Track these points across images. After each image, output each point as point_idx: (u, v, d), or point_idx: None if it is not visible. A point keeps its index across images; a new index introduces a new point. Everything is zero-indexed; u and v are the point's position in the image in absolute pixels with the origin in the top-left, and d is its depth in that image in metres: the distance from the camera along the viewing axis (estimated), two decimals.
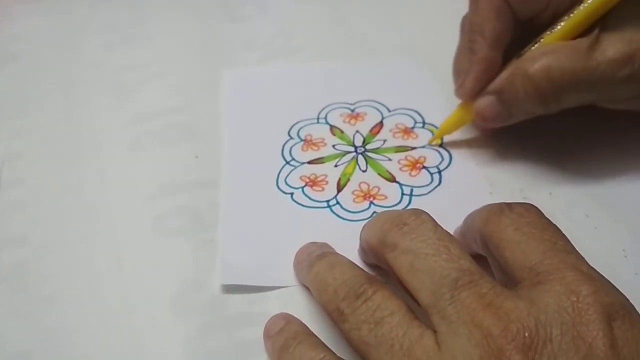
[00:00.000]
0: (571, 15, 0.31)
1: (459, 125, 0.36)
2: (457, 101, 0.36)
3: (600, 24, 0.30)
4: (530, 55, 0.31)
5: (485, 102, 0.33)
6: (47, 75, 0.44)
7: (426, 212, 0.25)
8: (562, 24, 0.31)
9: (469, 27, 0.34)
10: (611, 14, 0.30)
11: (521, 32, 0.33)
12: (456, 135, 0.36)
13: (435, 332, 0.22)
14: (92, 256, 0.32)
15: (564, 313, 0.20)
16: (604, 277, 0.22)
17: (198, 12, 0.50)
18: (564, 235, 0.24)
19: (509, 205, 0.25)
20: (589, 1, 0.31)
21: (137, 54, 0.45)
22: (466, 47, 0.34)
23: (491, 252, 0.25)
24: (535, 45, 0.32)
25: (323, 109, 0.39)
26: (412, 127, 0.37)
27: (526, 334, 0.20)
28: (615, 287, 0.22)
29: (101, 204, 0.34)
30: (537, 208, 0.25)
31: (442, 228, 0.24)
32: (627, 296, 0.22)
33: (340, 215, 0.32)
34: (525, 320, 0.20)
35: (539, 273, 0.22)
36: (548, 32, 0.32)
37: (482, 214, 0.26)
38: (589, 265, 0.22)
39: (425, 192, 0.33)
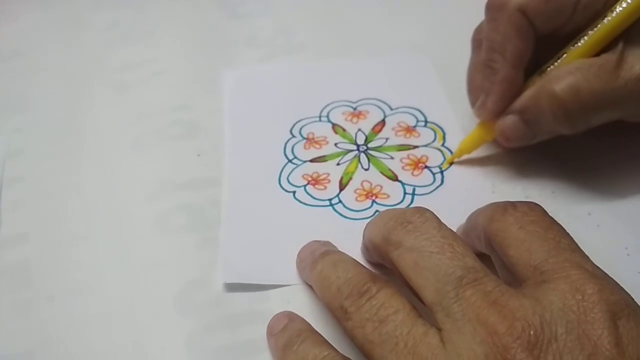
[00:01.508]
0: (595, 29, 0.30)
1: (478, 144, 0.34)
2: (459, 100, 0.36)
3: (623, 38, 0.29)
4: (556, 74, 0.30)
5: (508, 122, 0.32)
6: (49, 72, 0.44)
7: (430, 210, 0.25)
8: (586, 38, 0.30)
9: (488, 45, 0.32)
10: (634, 28, 0.29)
11: (541, 46, 0.32)
12: (458, 135, 0.36)
13: (439, 330, 0.22)
14: (94, 254, 0.32)
15: (569, 311, 0.20)
16: (608, 275, 0.22)
17: (200, 10, 0.49)
18: (568, 233, 0.24)
19: (513, 204, 0.25)
20: (613, 14, 0.29)
21: (139, 52, 0.45)
22: (485, 65, 0.32)
23: (495, 250, 0.25)
24: (558, 62, 0.31)
25: (325, 107, 0.39)
26: (414, 126, 0.37)
27: (531, 332, 0.20)
28: (620, 286, 0.22)
29: (103, 202, 0.34)
30: (541, 207, 0.25)
31: (446, 226, 0.24)
32: (631, 294, 0.22)
33: (343, 213, 0.32)
34: (530, 318, 0.20)
35: (544, 272, 0.22)
36: (571, 47, 0.31)
37: (486, 212, 0.26)
38: (594, 263, 0.22)
39: (428, 191, 0.33)
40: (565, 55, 0.31)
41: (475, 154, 0.35)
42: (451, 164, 0.35)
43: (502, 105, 0.32)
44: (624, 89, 0.29)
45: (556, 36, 0.31)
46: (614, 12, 0.29)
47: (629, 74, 0.29)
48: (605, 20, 0.30)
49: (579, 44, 0.30)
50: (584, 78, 0.29)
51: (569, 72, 0.30)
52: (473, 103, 0.34)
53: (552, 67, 0.31)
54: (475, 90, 0.34)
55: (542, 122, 0.31)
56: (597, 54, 0.30)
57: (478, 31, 0.34)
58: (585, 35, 0.30)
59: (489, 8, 0.32)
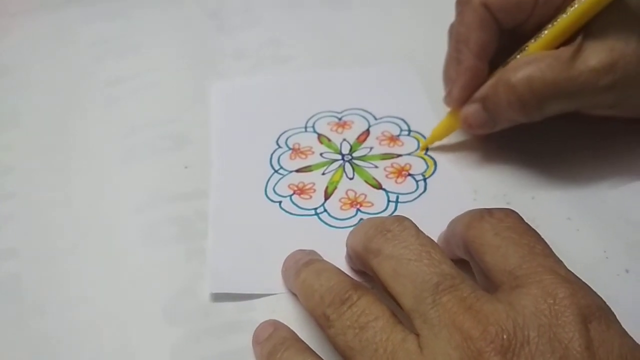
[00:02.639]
0: (554, 23, 0.32)
1: (448, 131, 0.36)
2: (443, 109, 0.37)
3: (583, 31, 0.31)
4: (514, 65, 0.32)
5: (470, 109, 0.34)
6: (38, 88, 0.45)
7: (409, 219, 0.26)
8: (546, 32, 0.32)
9: (455, 38, 0.34)
10: (594, 22, 0.31)
11: (507, 41, 0.34)
12: (441, 143, 0.37)
13: (417, 335, 0.22)
14: (83, 267, 0.32)
15: (541, 315, 0.21)
16: (581, 280, 0.23)
17: (188, 23, 0.50)
18: (542, 239, 0.24)
19: (489, 210, 0.26)
20: (571, 10, 0.31)
21: (128, 66, 0.46)
22: (452, 56, 0.35)
23: (473, 256, 0.25)
24: (520, 54, 0.33)
25: (311, 117, 0.40)
26: (398, 135, 0.38)
27: (504, 336, 0.21)
28: (592, 290, 0.22)
29: (92, 215, 0.35)
30: (516, 213, 0.25)
31: (424, 234, 0.25)
32: (609, 297, 0.22)
33: (328, 222, 0.33)
34: (503, 322, 0.21)
35: (518, 277, 0.23)
36: (532, 41, 0.32)
37: (464, 219, 0.26)
38: (567, 268, 0.23)
39: (411, 199, 0.34)
40: (527, 48, 0.32)
41: (457, 161, 0.36)
42: (426, 150, 0.37)
43: (466, 94, 0.34)
44: (578, 79, 0.30)
45: (521, 31, 0.33)
46: (573, 7, 0.31)
47: (583, 66, 0.30)
48: (564, 15, 0.31)
49: (540, 37, 0.32)
50: (539, 69, 0.30)
51: (526, 62, 0.31)
52: (445, 87, 0.36)
53: (513, 59, 0.33)
54: (447, 82, 0.36)
55: (500, 110, 0.32)
56: (558, 48, 0.31)
57: (452, 26, 0.36)
58: (546, 29, 0.32)
59: (458, 3, 0.35)
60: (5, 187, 0.37)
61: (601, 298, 0.22)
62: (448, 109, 0.36)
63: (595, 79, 0.30)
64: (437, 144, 0.37)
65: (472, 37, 0.33)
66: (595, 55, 0.30)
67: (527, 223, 0.25)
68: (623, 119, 0.34)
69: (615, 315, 0.22)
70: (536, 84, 0.31)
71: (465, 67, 0.34)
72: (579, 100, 0.31)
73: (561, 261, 0.23)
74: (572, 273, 0.23)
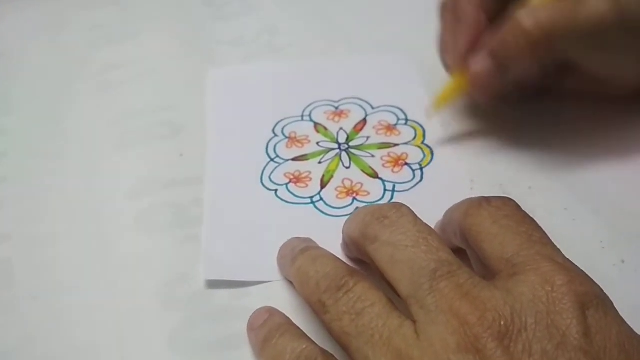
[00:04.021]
0: None
1: (455, 94, 0.35)
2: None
3: None
4: (521, 13, 0.32)
5: (479, 61, 0.33)
6: (32, 73, 0.44)
7: (406, 206, 0.26)
8: None
9: None
10: None
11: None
12: (438, 133, 0.37)
13: (414, 322, 0.22)
14: (76, 253, 0.32)
15: (538, 302, 0.21)
16: (578, 267, 0.23)
17: (184, 10, 0.50)
18: (540, 227, 0.24)
19: (487, 199, 0.25)
20: None
21: (123, 52, 0.46)
22: (451, 19, 0.35)
23: (470, 244, 0.25)
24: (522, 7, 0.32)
25: (307, 106, 0.39)
26: (395, 124, 0.38)
27: (502, 323, 0.20)
28: (589, 277, 0.22)
29: (86, 201, 0.35)
30: (514, 201, 0.25)
31: (421, 221, 0.25)
32: (606, 287, 0.22)
33: (324, 211, 0.33)
34: (501, 309, 0.21)
35: (516, 264, 0.22)
36: None
37: (462, 208, 0.26)
38: (564, 256, 0.23)
39: (407, 188, 0.34)
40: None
41: (454, 150, 0.36)
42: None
43: (470, 46, 0.33)
44: (580, 22, 0.31)
45: None
46: None
47: (589, 7, 0.30)
48: None
49: None
50: (547, 13, 0.31)
51: (534, 10, 0.31)
52: (444, 61, 0.36)
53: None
54: (446, 51, 0.35)
55: (510, 56, 0.32)
56: None
57: (443, 2, 0.36)
58: None
59: None
60: None
61: (599, 286, 0.22)
62: (454, 115, 0.36)
63: (602, 14, 0.30)
64: (429, 135, 0.37)
65: None
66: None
67: (524, 211, 0.25)
68: (622, 92, 0.35)
69: (612, 303, 0.22)
70: (546, 26, 0.31)
71: (468, 22, 0.33)
72: (587, 39, 0.31)
73: (559, 249, 0.23)
74: (570, 261, 0.23)
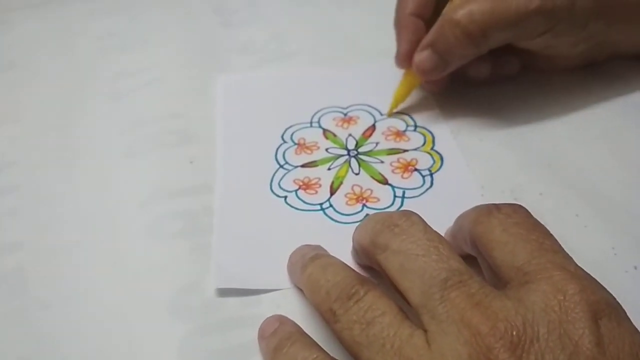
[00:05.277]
0: None
1: (409, 90, 0.39)
2: (449, 105, 0.37)
3: None
4: (453, 6, 0.35)
5: (422, 56, 0.36)
6: (43, 82, 0.45)
7: (416, 214, 0.26)
8: None
9: (397, 2, 0.39)
10: None
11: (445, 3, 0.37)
12: (447, 139, 0.37)
13: (425, 331, 0.22)
14: (87, 261, 0.32)
15: (550, 312, 0.21)
16: (590, 275, 0.22)
17: (193, 18, 0.50)
18: (551, 235, 0.24)
19: (497, 206, 0.25)
20: None
21: (133, 60, 0.46)
22: (394, 21, 0.39)
23: (480, 252, 0.25)
24: (453, 3, 0.36)
25: (316, 113, 0.40)
26: (404, 131, 0.38)
27: (514, 333, 0.20)
28: (601, 286, 0.22)
29: (97, 210, 0.35)
30: (525, 209, 0.25)
31: (432, 229, 0.25)
32: (617, 293, 0.22)
33: (334, 217, 0.33)
34: (513, 319, 0.21)
35: (527, 273, 0.22)
36: None
37: (471, 215, 0.26)
38: (576, 264, 0.23)
39: (417, 194, 0.34)
40: None
41: (464, 156, 0.35)
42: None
43: (411, 48, 0.37)
44: (512, 7, 0.33)
45: None
46: None
47: None
48: None
49: None
50: (476, 4, 0.34)
51: (464, 2, 0.34)
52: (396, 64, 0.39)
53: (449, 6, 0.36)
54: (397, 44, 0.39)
55: (449, 47, 0.35)
56: None
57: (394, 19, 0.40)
58: None
59: None
60: (10, 181, 0.37)
61: (611, 294, 0.22)
62: (455, 106, 0.36)
63: (526, 4, 0.33)
64: (439, 141, 0.37)
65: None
66: None
67: (535, 218, 0.25)
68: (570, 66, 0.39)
69: (625, 312, 0.22)
70: (477, 16, 0.34)
71: (405, 25, 0.38)
72: (516, 27, 0.34)
73: (570, 257, 0.23)
74: (582, 269, 0.23)
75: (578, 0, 0.34)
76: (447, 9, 0.36)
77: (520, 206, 0.25)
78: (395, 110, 0.39)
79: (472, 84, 0.39)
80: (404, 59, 0.38)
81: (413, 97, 0.39)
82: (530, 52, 0.38)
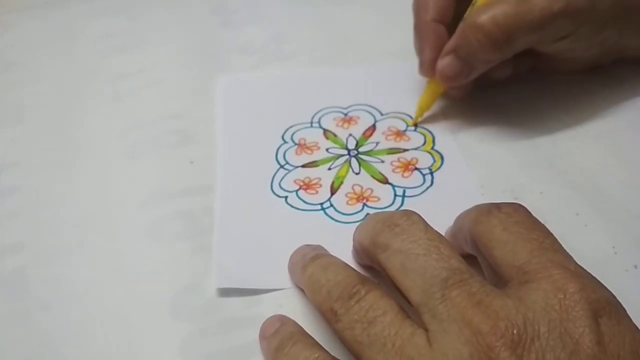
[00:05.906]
0: None
1: (434, 98, 0.38)
2: (449, 105, 0.37)
3: None
4: (476, 11, 0.34)
5: (445, 62, 0.36)
6: (44, 83, 0.45)
7: (417, 213, 0.26)
8: None
9: (415, 7, 0.38)
10: None
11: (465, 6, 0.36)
12: (448, 138, 0.37)
13: (426, 330, 0.22)
14: (88, 262, 0.32)
15: (551, 310, 0.21)
16: (590, 274, 0.22)
17: (192, 19, 0.50)
18: (551, 234, 0.24)
19: (497, 205, 0.25)
20: None
21: (133, 61, 0.46)
22: (415, 27, 0.38)
23: (481, 251, 0.25)
24: (475, 5, 0.35)
25: (316, 113, 0.40)
26: (404, 130, 0.38)
27: (514, 331, 0.20)
28: (602, 284, 0.22)
29: (97, 211, 0.35)
30: (525, 208, 0.25)
31: (432, 228, 0.25)
32: (618, 292, 0.22)
33: (334, 217, 0.33)
34: (513, 317, 0.21)
35: (527, 272, 0.22)
36: None
37: (472, 214, 0.26)
38: (576, 263, 0.23)
39: (418, 193, 0.34)
40: (476, 1, 0.35)
41: (464, 155, 0.35)
42: (416, 125, 0.38)
43: (433, 55, 0.37)
44: (535, 9, 0.33)
45: None
46: None
47: (537, 1, 0.33)
48: None
49: None
50: (499, 8, 0.33)
51: (486, 6, 0.34)
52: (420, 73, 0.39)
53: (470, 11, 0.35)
54: (417, 53, 0.38)
55: (473, 52, 0.35)
56: None
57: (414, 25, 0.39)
58: None
59: None
60: (11, 182, 0.37)
61: (611, 293, 0.22)
62: (455, 105, 0.36)
63: (550, 6, 0.33)
64: (439, 140, 0.37)
65: (429, 3, 0.37)
66: None
67: (535, 217, 0.25)
68: (577, 69, 0.39)
69: (625, 310, 0.22)
70: (501, 20, 0.33)
71: (427, 32, 0.37)
72: (540, 30, 0.34)
73: (570, 256, 0.23)
74: (582, 267, 0.23)
75: (597, 4, 0.34)
76: (468, 13, 0.35)
77: (520, 205, 0.25)
78: (420, 120, 0.38)
79: (490, 86, 0.39)
80: (429, 67, 0.37)
81: (414, 97, 0.39)
82: (544, 55, 0.37)
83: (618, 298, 0.22)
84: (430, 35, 0.37)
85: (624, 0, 0.35)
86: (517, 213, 0.25)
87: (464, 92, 0.38)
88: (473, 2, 0.35)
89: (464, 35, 0.34)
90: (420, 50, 0.38)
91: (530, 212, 0.25)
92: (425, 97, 0.38)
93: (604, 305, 0.21)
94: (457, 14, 0.36)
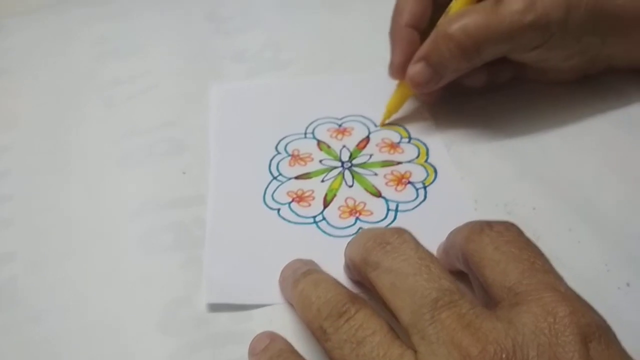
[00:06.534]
0: None
1: (402, 101, 0.39)
2: (443, 117, 0.37)
3: None
4: (448, 20, 0.35)
5: (415, 69, 0.36)
6: (37, 88, 0.45)
7: (408, 232, 0.25)
8: None
9: (394, 11, 0.39)
10: None
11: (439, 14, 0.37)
12: (441, 151, 0.37)
13: (415, 351, 0.22)
14: (79, 273, 0.32)
15: (540, 334, 0.21)
16: (581, 297, 0.22)
17: (187, 25, 0.50)
18: (543, 254, 0.24)
19: (489, 223, 0.25)
20: None
21: (128, 68, 0.46)
22: (390, 31, 0.39)
23: (472, 270, 0.25)
24: (448, 13, 0.36)
25: (310, 123, 0.39)
26: (398, 142, 0.38)
27: (503, 355, 0.20)
28: (592, 308, 0.22)
29: (89, 220, 0.35)
30: (516, 227, 0.25)
31: (423, 247, 0.25)
32: (609, 310, 0.22)
33: (327, 231, 0.33)
34: (503, 341, 0.21)
35: (518, 293, 0.22)
36: (453, 2, 0.36)
37: (463, 232, 0.26)
38: (567, 285, 0.23)
39: (411, 207, 0.34)
40: (449, 9, 0.36)
41: (458, 169, 0.35)
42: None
43: (404, 60, 0.37)
44: (505, 21, 0.33)
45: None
46: None
47: (507, 9, 0.33)
48: None
49: None
50: (470, 17, 0.34)
51: (458, 15, 0.35)
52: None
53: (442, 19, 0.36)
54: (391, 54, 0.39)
55: (443, 61, 0.35)
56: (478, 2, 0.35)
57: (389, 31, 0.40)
58: None
59: None
60: (3, 190, 0.37)
61: (601, 317, 0.22)
62: (450, 117, 0.36)
63: (520, 18, 0.33)
64: (433, 154, 0.37)
65: (405, 9, 0.38)
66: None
67: (527, 237, 0.25)
68: (564, 79, 0.39)
69: (615, 335, 0.22)
70: (471, 30, 0.34)
71: (400, 37, 0.38)
72: (509, 41, 0.34)
73: (561, 277, 0.23)
74: (573, 290, 0.23)
75: (572, 14, 0.34)
76: (441, 22, 0.36)
77: (512, 224, 0.25)
78: (387, 121, 0.39)
79: (466, 94, 0.39)
80: (398, 70, 0.38)
81: (407, 108, 0.39)
82: (523, 64, 0.38)
83: (610, 316, 0.22)
84: (403, 40, 0.38)
85: (604, 9, 0.34)
86: (509, 232, 0.25)
87: (433, 97, 0.39)
88: (447, 10, 0.36)
89: (435, 44, 0.35)
90: (392, 53, 0.38)
91: (522, 232, 0.25)
92: (393, 100, 0.39)
93: (593, 330, 0.21)
94: (434, 20, 0.37)
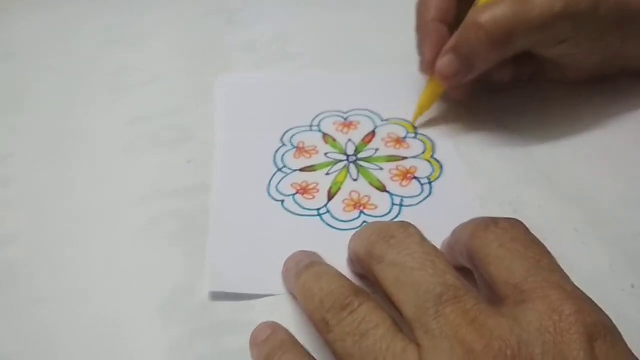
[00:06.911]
0: None
1: (433, 98, 0.38)
2: (450, 113, 0.37)
3: None
4: (477, 11, 0.35)
5: (444, 60, 0.36)
6: (43, 75, 0.44)
7: (413, 226, 0.25)
8: None
9: (418, 7, 0.39)
10: None
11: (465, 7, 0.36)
12: (448, 147, 0.36)
13: (418, 346, 0.22)
14: (81, 258, 0.32)
15: (545, 332, 0.20)
16: (587, 296, 0.22)
17: (196, 16, 0.50)
18: (549, 252, 0.24)
19: (494, 220, 0.25)
20: None
21: (134, 56, 0.46)
22: (417, 25, 0.38)
23: (477, 267, 0.25)
24: (476, 5, 0.35)
25: (316, 116, 0.39)
26: (404, 137, 0.37)
27: (508, 352, 0.20)
28: (598, 307, 0.22)
29: (92, 206, 0.34)
30: (523, 224, 0.25)
31: (428, 242, 0.25)
32: (614, 311, 0.22)
33: (331, 224, 0.33)
34: (507, 338, 0.20)
35: (523, 291, 0.22)
36: None
37: (469, 228, 0.26)
38: (573, 284, 0.23)
39: (416, 202, 0.33)
40: (478, 1, 0.36)
41: (464, 166, 0.35)
42: (416, 131, 0.38)
43: (434, 53, 0.37)
44: (535, 11, 0.33)
45: None
46: None
47: (538, 2, 0.33)
48: None
49: None
50: (500, 8, 0.34)
51: (487, 5, 0.34)
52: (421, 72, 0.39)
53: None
54: (418, 52, 0.39)
55: (472, 51, 0.35)
56: None
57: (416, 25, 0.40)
58: None
59: None
60: (7, 172, 0.37)
61: (607, 316, 0.22)
62: (453, 112, 0.36)
63: (549, 7, 0.33)
64: (440, 148, 0.36)
65: (432, 3, 0.38)
66: None
67: (533, 235, 0.25)
68: (581, 77, 0.39)
69: (620, 334, 0.21)
70: (500, 19, 0.33)
71: (429, 32, 0.37)
72: (539, 31, 0.34)
73: (567, 276, 0.23)
74: (579, 289, 0.22)
75: (602, 6, 0.34)
76: (470, 13, 0.35)
77: (518, 221, 0.25)
78: (418, 119, 0.38)
79: (494, 91, 0.39)
80: (429, 65, 0.37)
81: (414, 103, 0.39)
82: (544, 61, 0.37)
83: (614, 317, 0.22)
84: (431, 35, 0.37)
85: (628, 6, 0.34)
86: (515, 229, 0.24)
87: (464, 93, 0.38)
88: (476, 1, 0.35)
89: (465, 34, 0.35)
90: (421, 49, 0.38)
91: (528, 229, 0.25)
92: (425, 97, 0.38)
93: (599, 329, 0.21)
94: (460, 15, 0.37)
